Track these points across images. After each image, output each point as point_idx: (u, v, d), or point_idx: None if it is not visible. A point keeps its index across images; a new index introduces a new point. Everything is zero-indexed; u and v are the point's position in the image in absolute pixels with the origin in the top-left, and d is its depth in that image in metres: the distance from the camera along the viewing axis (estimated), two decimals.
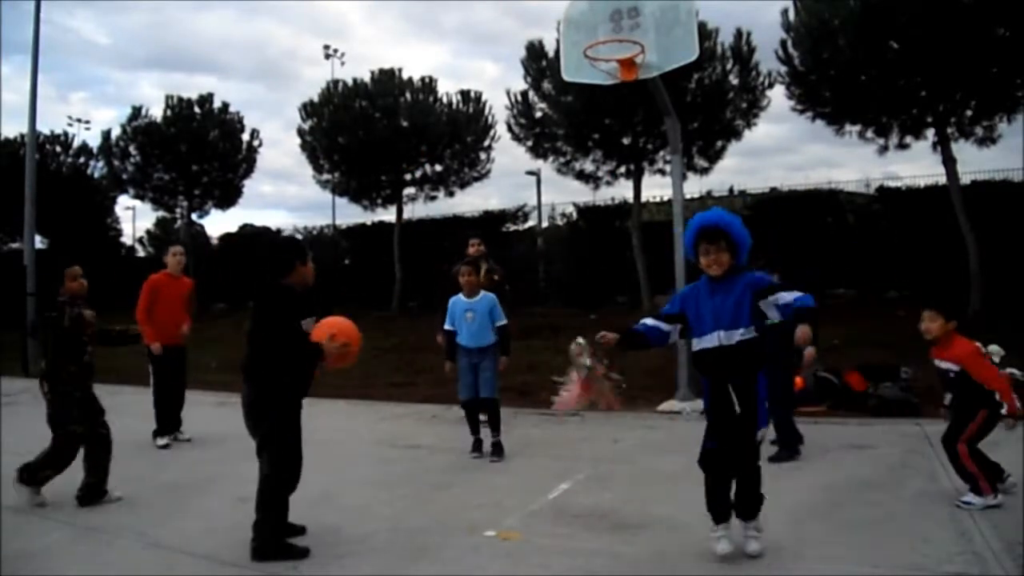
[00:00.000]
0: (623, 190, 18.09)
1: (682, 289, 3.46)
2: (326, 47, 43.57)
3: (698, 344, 3.25)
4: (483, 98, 17.52)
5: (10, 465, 4.56)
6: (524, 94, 14.70)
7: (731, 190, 18.37)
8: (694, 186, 15.39)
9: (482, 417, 5.52)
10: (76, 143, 22.23)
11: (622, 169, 14.59)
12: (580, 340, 3.44)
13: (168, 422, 6.29)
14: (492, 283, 6.44)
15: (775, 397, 5.15)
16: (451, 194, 17.88)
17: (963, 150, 11.69)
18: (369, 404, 6.06)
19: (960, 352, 3.96)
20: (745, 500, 3.26)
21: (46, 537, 3.87)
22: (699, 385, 3.41)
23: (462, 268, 5.61)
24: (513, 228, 17.18)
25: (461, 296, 5.55)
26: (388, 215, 18.28)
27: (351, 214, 57.52)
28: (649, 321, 3.37)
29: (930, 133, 11.73)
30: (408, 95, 17.01)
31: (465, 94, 17.53)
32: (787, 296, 3.09)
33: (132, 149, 19.90)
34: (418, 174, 17.47)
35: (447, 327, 5.57)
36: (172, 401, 6.38)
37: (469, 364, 5.45)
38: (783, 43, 12.22)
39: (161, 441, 6.20)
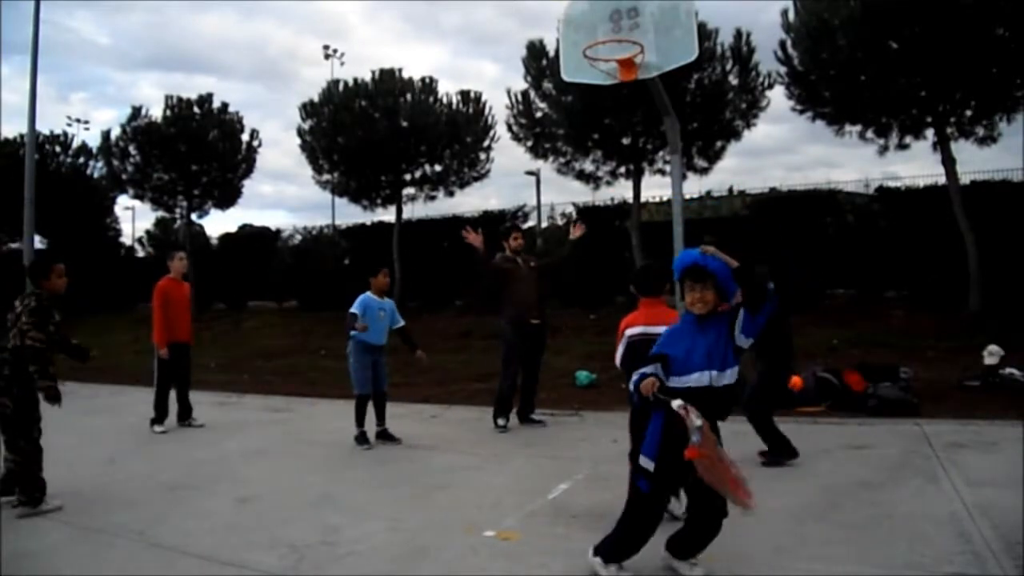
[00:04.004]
0: (623, 190, 18.13)
1: (666, 330, 3.19)
2: (326, 47, 43.78)
3: (682, 381, 2.98)
4: (483, 98, 17.50)
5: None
6: (524, 94, 14.68)
7: (731, 190, 18.43)
8: (694, 186, 15.46)
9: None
10: (76, 143, 22.08)
11: (622, 169, 14.56)
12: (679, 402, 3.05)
13: (165, 412, 6.86)
14: (534, 270, 6.71)
15: (755, 402, 5.09)
16: (451, 194, 17.84)
17: (963, 150, 11.73)
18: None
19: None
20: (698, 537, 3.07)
21: (46, 537, 3.87)
22: None
23: (383, 270, 6.19)
24: None
25: (372, 296, 6.07)
26: (388, 215, 18.25)
27: (351, 214, 57.73)
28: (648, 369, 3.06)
29: (930, 133, 11.72)
30: (408, 95, 16.99)
31: (465, 94, 17.48)
32: (744, 319, 2.96)
33: (132, 149, 19.83)
34: (418, 174, 17.46)
35: (354, 311, 5.87)
36: (180, 392, 6.98)
37: (371, 360, 6.01)
38: (783, 43, 12.21)
39: (159, 428, 6.76)
